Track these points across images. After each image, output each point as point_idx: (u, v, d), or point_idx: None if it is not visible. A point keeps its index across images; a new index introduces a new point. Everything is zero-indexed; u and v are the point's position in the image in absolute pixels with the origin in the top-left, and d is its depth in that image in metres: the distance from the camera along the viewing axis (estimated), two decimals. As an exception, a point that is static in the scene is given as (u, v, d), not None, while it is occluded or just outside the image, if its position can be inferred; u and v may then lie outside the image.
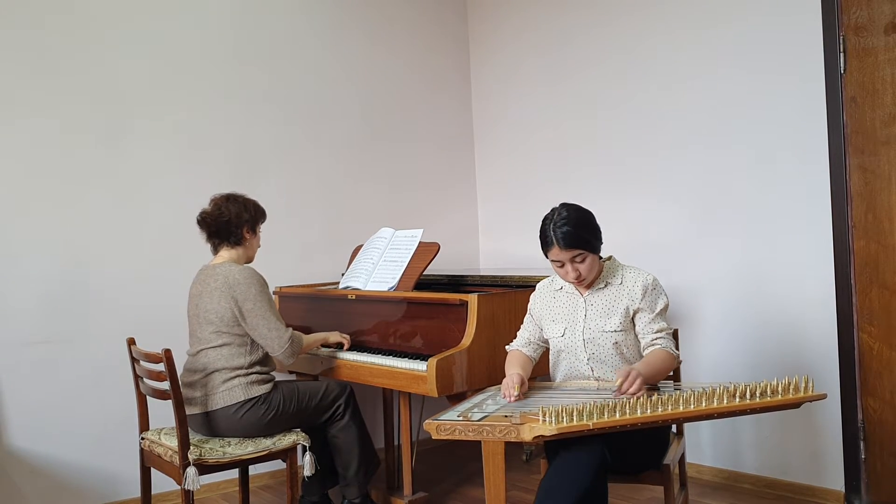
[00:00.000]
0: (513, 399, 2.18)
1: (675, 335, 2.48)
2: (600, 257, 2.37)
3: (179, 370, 2.63)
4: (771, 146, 3.19)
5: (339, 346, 3.15)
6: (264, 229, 3.01)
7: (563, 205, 2.33)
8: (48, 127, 3.27)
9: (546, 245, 2.31)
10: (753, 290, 3.28)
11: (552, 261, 2.32)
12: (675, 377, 2.52)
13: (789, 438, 3.19)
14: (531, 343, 2.50)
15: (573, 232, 2.25)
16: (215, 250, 2.91)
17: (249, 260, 2.95)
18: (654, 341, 2.31)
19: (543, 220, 2.32)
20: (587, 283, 2.35)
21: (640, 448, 2.21)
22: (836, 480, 3.04)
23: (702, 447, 3.49)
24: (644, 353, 2.33)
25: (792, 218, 3.14)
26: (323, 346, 3.18)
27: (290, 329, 2.81)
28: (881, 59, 2.85)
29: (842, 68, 2.94)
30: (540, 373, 2.59)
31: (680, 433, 2.59)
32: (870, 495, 2.94)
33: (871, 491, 2.93)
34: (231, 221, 2.85)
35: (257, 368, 2.78)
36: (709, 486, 3.37)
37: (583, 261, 2.28)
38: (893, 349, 2.86)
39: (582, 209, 2.33)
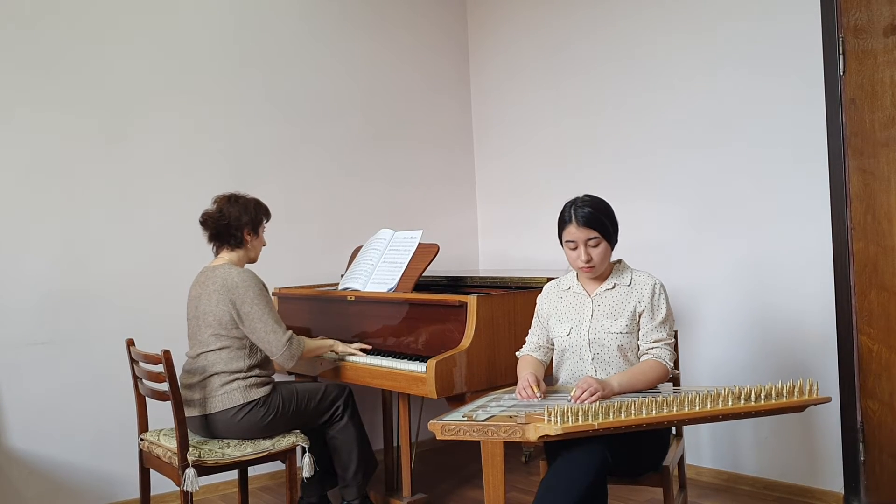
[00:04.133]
0: (536, 398, 2.18)
1: (674, 337, 2.48)
2: (611, 257, 2.38)
3: (178, 371, 2.62)
4: (770, 148, 3.20)
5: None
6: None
7: (587, 193, 2.37)
8: (48, 127, 3.26)
9: (563, 224, 2.32)
10: (753, 291, 3.28)
11: (566, 242, 2.33)
12: (675, 380, 2.52)
13: (788, 440, 3.19)
14: (541, 347, 2.49)
15: (593, 213, 2.28)
16: (217, 252, 2.91)
17: (252, 261, 2.94)
18: (649, 351, 2.32)
19: (564, 204, 2.35)
20: (596, 272, 2.34)
21: (640, 450, 2.21)
22: (835, 482, 3.04)
23: (701, 449, 3.49)
24: (640, 359, 2.33)
25: (791, 219, 3.14)
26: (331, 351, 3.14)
27: (290, 332, 2.80)
28: (880, 61, 2.85)
29: (841, 70, 2.94)
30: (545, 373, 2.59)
31: (679, 434, 2.59)
32: (869, 497, 2.94)
33: (870, 493, 2.93)
34: (231, 224, 2.83)
35: (256, 371, 2.78)
36: (708, 488, 3.37)
37: (596, 245, 2.29)
38: (892, 351, 2.86)
39: (604, 200, 2.36)
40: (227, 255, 2.88)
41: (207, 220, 2.87)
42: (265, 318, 2.74)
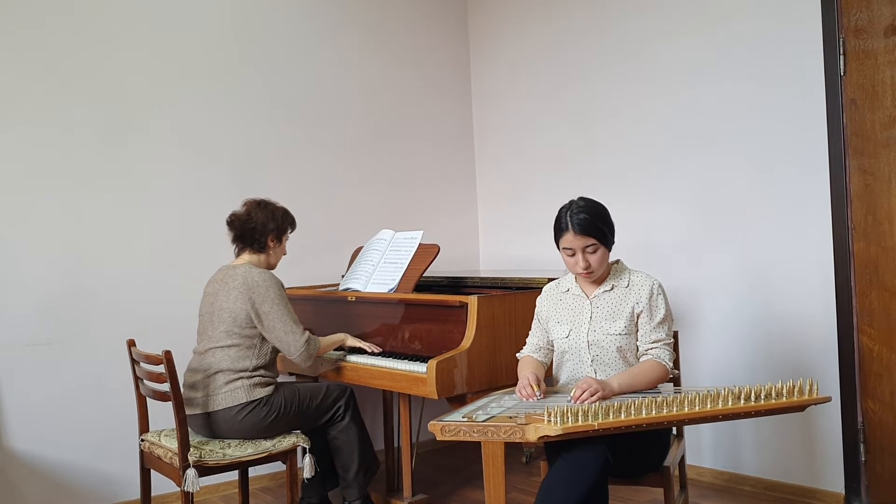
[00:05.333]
0: (535, 398, 2.18)
1: (675, 337, 2.48)
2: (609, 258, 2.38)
3: (180, 372, 2.62)
4: (771, 148, 3.19)
5: (355, 349, 3.08)
6: None
7: (581, 197, 2.35)
8: (49, 128, 3.26)
9: (560, 231, 2.31)
10: (753, 292, 3.28)
11: (563, 248, 2.32)
12: (675, 380, 2.52)
13: (789, 440, 3.19)
14: (541, 348, 2.49)
15: (589, 219, 2.26)
16: (238, 253, 2.94)
17: (271, 267, 2.96)
18: (648, 351, 2.32)
19: (560, 209, 2.33)
20: (595, 276, 2.34)
21: (640, 450, 2.21)
22: (836, 483, 3.04)
23: (702, 449, 3.49)
24: (640, 360, 2.33)
25: (792, 220, 3.14)
26: (339, 348, 3.13)
27: (308, 332, 2.82)
28: (881, 62, 2.85)
29: (841, 70, 2.94)
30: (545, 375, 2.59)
31: (680, 435, 2.59)
32: (870, 497, 2.93)
33: (871, 493, 2.93)
34: (256, 229, 2.88)
35: (261, 372, 2.79)
36: (709, 489, 3.37)
37: (594, 252, 2.28)
38: (893, 351, 2.86)
39: (600, 203, 2.34)
40: (247, 257, 2.91)
41: (234, 222, 2.90)
42: (284, 318, 2.76)
